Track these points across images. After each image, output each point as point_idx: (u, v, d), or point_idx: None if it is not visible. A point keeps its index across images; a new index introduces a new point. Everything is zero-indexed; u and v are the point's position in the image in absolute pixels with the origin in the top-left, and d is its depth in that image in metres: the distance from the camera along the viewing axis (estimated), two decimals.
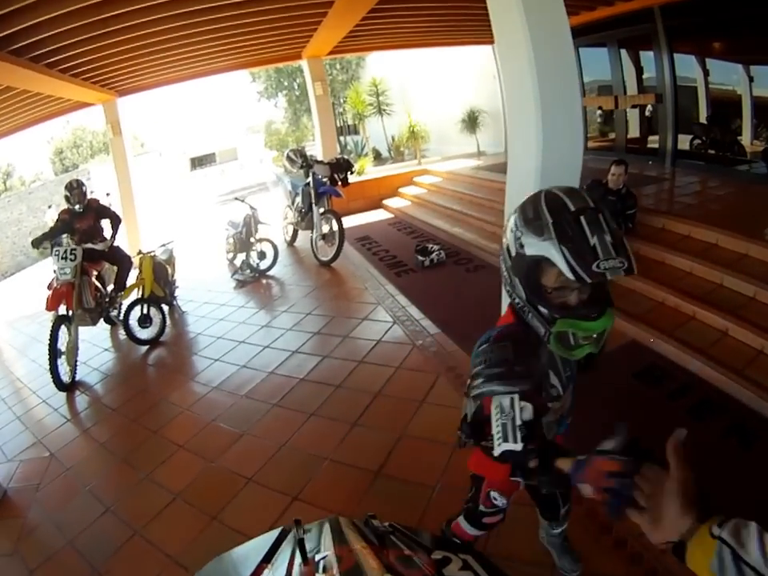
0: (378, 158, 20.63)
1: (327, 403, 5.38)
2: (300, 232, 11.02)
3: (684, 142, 11.14)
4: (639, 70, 12.22)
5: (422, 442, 4.55)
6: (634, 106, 12.27)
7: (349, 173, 9.89)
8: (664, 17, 10.21)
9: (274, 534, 1.19)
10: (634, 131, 13.01)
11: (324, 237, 9.63)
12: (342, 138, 27.25)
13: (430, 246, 9.22)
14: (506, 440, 1.72)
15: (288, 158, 10.38)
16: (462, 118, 16.22)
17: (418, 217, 11.96)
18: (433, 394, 5.18)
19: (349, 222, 11.92)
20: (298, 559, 0.95)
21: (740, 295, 5.86)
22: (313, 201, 9.67)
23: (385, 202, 13.96)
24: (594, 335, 1.81)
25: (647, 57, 11.50)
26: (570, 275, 1.63)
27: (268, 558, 1.06)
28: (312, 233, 9.81)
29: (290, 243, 11.37)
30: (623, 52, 12.24)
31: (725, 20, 9.62)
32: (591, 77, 13.42)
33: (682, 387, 4.91)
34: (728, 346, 5.31)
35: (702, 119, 10.96)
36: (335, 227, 9.32)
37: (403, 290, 7.92)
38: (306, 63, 13.68)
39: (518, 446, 1.69)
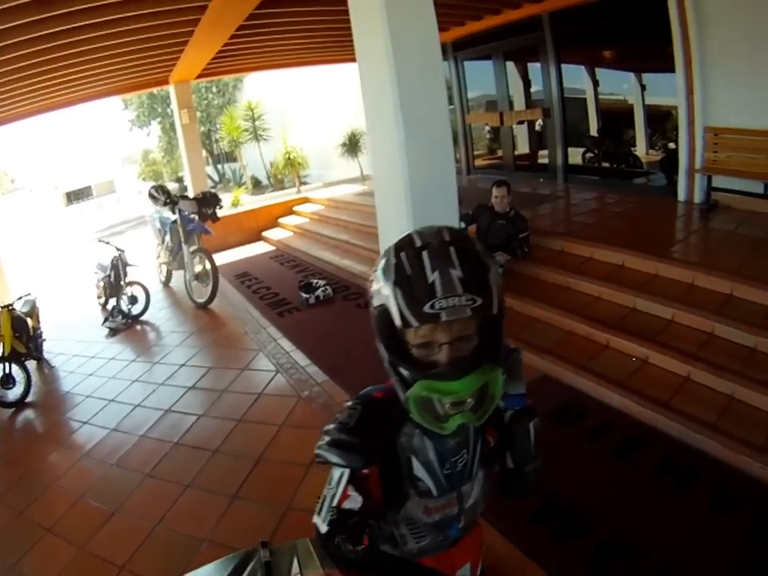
0: (258, 186, 19.99)
1: (204, 472, 4.73)
2: (175, 272, 10.23)
3: (576, 155, 11.02)
4: (527, 84, 12.11)
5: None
6: (521, 122, 12.02)
7: (217, 207, 9.23)
8: (552, 25, 9.99)
9: (238, 556, 1.10)
10: (523, 147, 12.87)
11: (197, 277, 8.91)
12: (220, 167, 26.52)
13: (315, 281, 8.51)
14: (318, 513, 1.57)
15: (150, 195, 9.58)
16: (342, 142, 15.72)
17: (301, 249, 11.27)
18: None
19: (227, 257, 11.58)
20: None
21: (657, 318, 5.55)
22: (182, 239, 8.95)
23: (265, 233, 13.15)
24: (467, 399, 1.36)
25: (535, 69, 11.27)
26: (397, 321, 1.34)
27: None
28: (185, 273, 9.09)
29: (165, 284, 10.55)
30: (510, 65, 12.11)
31: (614, 27, 9.58)
32: (480, 91, 13.23)
33: (603, 425, 4.49)
34: (650, 375, 4.97)
35: (594, 132, 10.93)
36: (208, 266, 8.60)
37: (287, 332, 7.20)
38: (173, 88, 12.67)
39: (323, 529, 1.51)
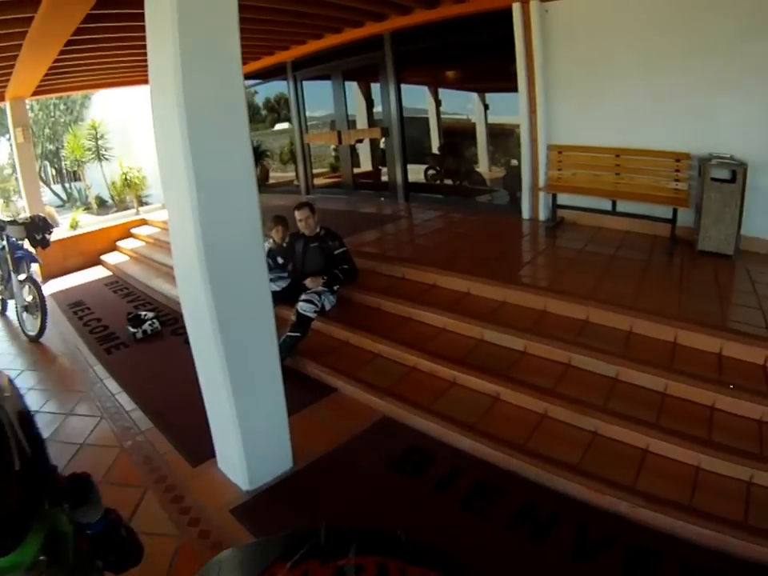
0: (104, 205, 19.08)
1: None
2: (9, 300, 9.37)
3: (419, 173, 11.05)
4: (370, 103, 12.00)
5: None
6: (359, 141, 11.95)
7: (48, 233, 8.48)
8: (394, 44, 9.95)
9: (297, 533, 0.90)
10: (366, 166, 12.74)
11: (27, 308, 8.12)
12: (67, 185, 25.24)
13: (144, 313, 7.83)
14: None
15: None
16: None
17: (135, 276, 10.33)
18: (137, 519, 3.95)
19: (65, 282, 10.67)
20: (316, 561, 0.79)
21: (508, 351, 5.26)
22: (10, 267, 8.19)
23: (103, 257, 12.04)
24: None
25: (377, 89, 11.25)
26: None
27: (286, 555, 0.81)
28: (15, 303, 8.33)
29: (1, 313, 9.72)
30: (353, 84, 12.04)
31: (457, 47, 9.61)
32: (327, 111, 12.89)
33: (452, 472, 4.08)
34: (503, 414, 4.62)
35: (435, 150, 10.99)
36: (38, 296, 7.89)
37: (113, 371, 6.52)
38: (9, 105, 11.67)
39: None
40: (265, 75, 13.47)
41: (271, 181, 15.76)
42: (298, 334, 5.74)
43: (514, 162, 9.31)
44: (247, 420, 3.90)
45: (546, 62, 7.95)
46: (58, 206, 23.13)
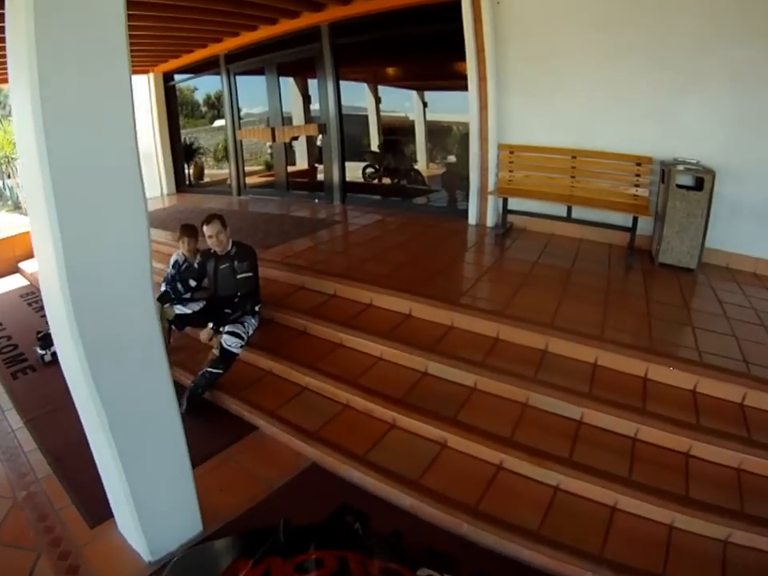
0: None
1: None
2: None
3: (357, 171, 10.58)
4: (307, 99, 11.55)
5: None
6: (294, 138, 11.45)
7: None
8: (332, 36, 9.46)
9: (257, 532, 1.10)
10: (302, 165, 12.47)
11: None
12: (1, 182, 24.11)
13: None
14: None
15: None
16: None
17: None
18: None
19: None
20: (278, 558, 0.93)
21: (456, 386, 4.60)
22: None
23: (22, 265, 10.89)
24: None
25: (314, 84, 10.61)
26: None
27: (248, 553, 0.97)
28: None
29: None
30: (289, 79, 11.70)
31: (399, 40, 9.41)
32: (265, 107, 12.03)
33: (391, 536, 3.38)
34: (450, 465, 3.92)
35: (375, 147, 10.76)
36: None
37: (18, 401, 5.60)
38: None
39: None
40: (197, 69, 12.74)
41: (206, 179, 15.20)
42: (220, 371, 4.97)
43: (451, 158, 9.51)
44: (140, 483, 3.15)
45: (497, 56, 7.48)
46: None
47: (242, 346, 5.04)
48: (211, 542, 1.16)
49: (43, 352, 6.41)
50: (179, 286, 5.70)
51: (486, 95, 7.64)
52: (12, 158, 17.82)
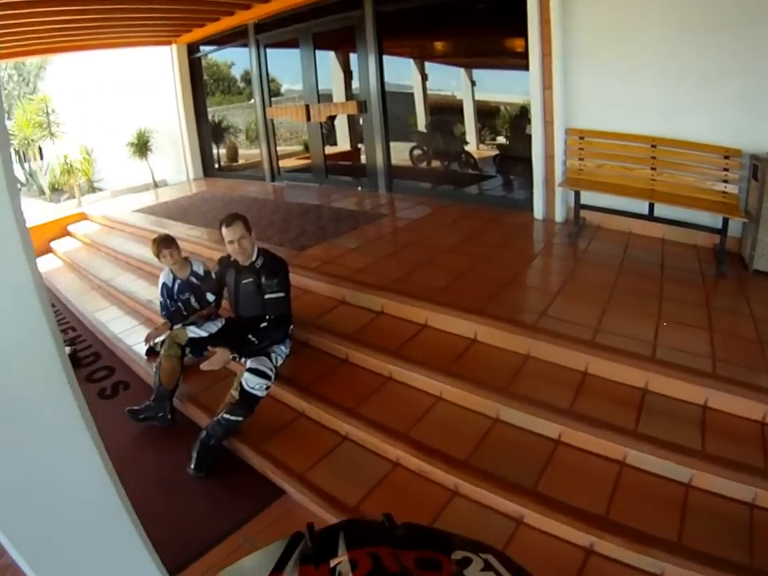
0: (58, 190, 17.23)
1: None
2: None
3: (403, 151, 9.76)
4: (348, 75, 10.55)
5: None
6: (332, 117, 10.27)
7: None
8: (375, 2, 8.58)
9: (285, 541, 0.84)
10: (344, 146, 11.55)
11: None
12: (27, 166, 23.43)
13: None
14: None
15: None
16: (131, 141, 13.15)
17: (63, 290, 8.12)
18: None
19: None
20: (310, 566, 0.76)
21: (535, 438, 3.62)
22: None
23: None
24: None
25: (355, 59, 9.70)
26: None
27: (279, 567, 0.78)
28: None
29: None
30: (329, 55, 10.78)
31: (446, 14, 8.45)
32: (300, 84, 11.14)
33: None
34: (529, 549, 3.01)
35: (422, 127, 9.97)
36: None
37: None
38: None
39: None
40: (225, 40, 11.73)
41: (240, 161, 14.08)
42: (239, 419, 3.98)
43: (507, 143, 9.01)
44: None
45: (565, 28, 6.49)
46: None
47: (267, 388, 4.06)
48: (241, 560, 0.82)
49: None
50: (192, 300, 4.90)
51: (550, 73, 6.67)
52: (32, 141, 17.05)
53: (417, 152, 10.06)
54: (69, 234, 10.47)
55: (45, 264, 9.37)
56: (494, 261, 5.84)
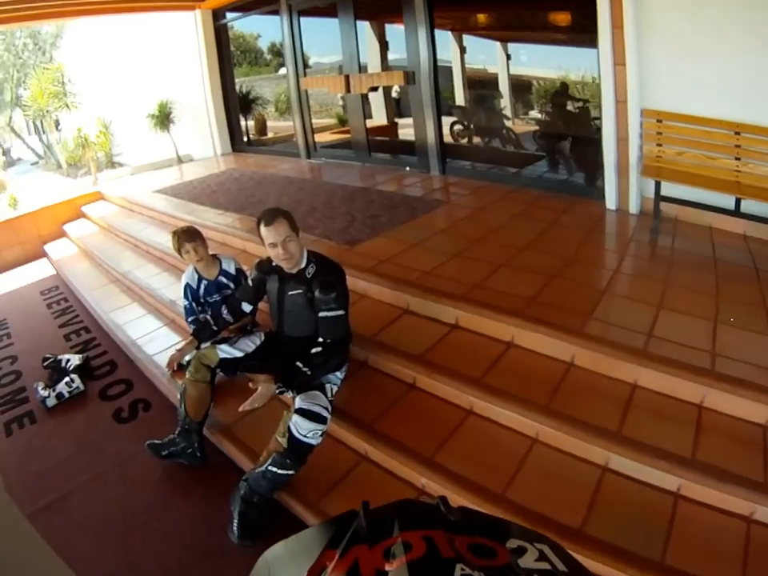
0: (75, 165, 16.56)
1: None
2: None
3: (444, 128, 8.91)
4: (384, 46, 10.11)
5: None
6: (373, 89, 9.49)
7: None
8: None
9: (340, 518, 0.85)
10: (380, 120, 10.89)
11: None
12: (45, 137, 22.76)
13: (66, 357, 5.19)
14: None
15: None
16: (152, 113, 12.24)
17: (76, 281, 7.18)
18: None
19: None
20: (364, 545, 0.75)
21: (652, 492, 2.90)
22: None
23: (47, 247, 8.97)
24: None
25: (393, 29, 9.70)
26: None
27: (334, 543, 0.78)
28: None
29: None
30: (363, 24, 9.97)
31: None
32: (334, 56, 10.60)
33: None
34: None
35: (461, 102, 9.54)
36: None
37: (5, 480, 3.81)
38: None
39: None
40: (253, 5, 10.92)
41: (270, 134, 13.30)
42: (290, 472, 3.12)
43: (545, 118, 8.81)
44: None
45: None
46: (33, 164, 20.89)
47: (323, 434, 3.22)
48: (300, 533, 0.84)
49: (45, 393, 4.75)
50: (224, 311, 4.00)
51: (623, 48, 5.98)
52: (47, 112, 16.23)
53: (458, 127, 9.52)
54: (83, 215, 9.58)
55: (57, 250, 8.63)
56: (581, 263, 5.03)
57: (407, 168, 8.87)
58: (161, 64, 13.06)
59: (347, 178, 8.66)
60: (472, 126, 9.47)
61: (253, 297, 3.89)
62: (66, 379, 4.85)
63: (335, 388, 3.50)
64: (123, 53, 14.82)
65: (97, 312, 6.14)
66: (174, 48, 12.39)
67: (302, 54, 10.23)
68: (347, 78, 9.17)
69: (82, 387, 4.85)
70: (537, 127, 8.93)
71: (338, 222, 6.19)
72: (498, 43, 9.02)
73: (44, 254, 8.86)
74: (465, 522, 0.79)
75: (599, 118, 6.51)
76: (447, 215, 6.55)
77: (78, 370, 5.03)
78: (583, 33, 6.81)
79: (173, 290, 5.62)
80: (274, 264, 3.60)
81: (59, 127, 17.51)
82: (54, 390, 4.70)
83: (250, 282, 3.87)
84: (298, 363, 3.29)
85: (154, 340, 5.18)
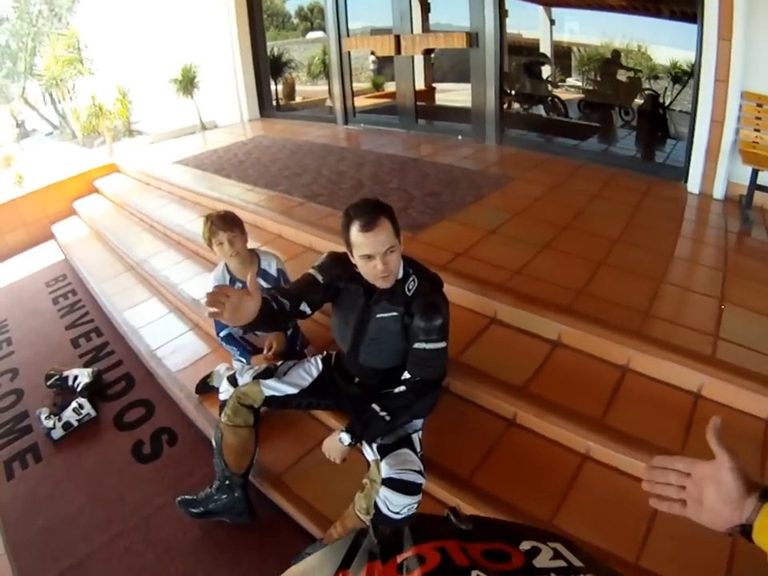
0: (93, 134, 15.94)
1: None
2: None
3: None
4: (426, 8, 9.37)
5: None
6: (428, 51, 8.94)
7: None
8: None
9: (349, 539, 0.95)
10: (420, 85, 10.00)
11: None
12: (60, 107, 22.14)
13: (73, 374, 4.32)
14: None
15: None
16: (175, 78, 11.38)
17: (87, 270, 6.29)
18: None
19: None
20: (377, 562, 0.82)
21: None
22: None
23: (55, 228, 8.03)
24: None
25: None
26: None
27: (346, 564, 0.87)
28: None
29: None
30: None
31: None
32: (364, 22, 10.35)
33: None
34: None
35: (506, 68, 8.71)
36: None
37: (8, 542, 3.13)
38: None
39: None
40: None
41: (298, 98, 12.71)
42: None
43: (592, 87, 8.77)
44: None
45: None
46: (47, 135, 20.27)
47: (418, 505, 2.37)
48: (311, 555, 0.95)
49: (50, 424, 3.96)
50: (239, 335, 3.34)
51: (730, 21, 5.32)
52: (61, 80, 15.92)
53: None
54: (96, 190, 8.67)
55: (66, 231, 7.75)
56: (684, 263, 4.44)
57: (459, 137, 8.22)
58: (184, 26, 12.35)
59: (392, 146, 7.95)
60: (516, 94, 9.21)
61: (319, 300, 2.77)
62: (74, 405, 4.00)
63: (421, 434, 2.67)
64: (143, 17, 14.18)
65: (109, 310, 5.29)
66: (199, 9, 11.69)
67: (346, 13, 9.59)
68: (397, 38, 8.63)
69: (93, 413, 4.02)
70: (581, 95, 8.81)
71: (393, 200, 5.17)
72: (540, 8, 8.81)
73: (51, 236, 8.00)
74: (476, 529, 0.83)
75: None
76: (518, 194, 5.67)
77: (87, 388, 4.18)
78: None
79: (195, 284, 4.82)
80: (357, 274, 2.65)
81: (71, 95, 16.86)
82: (59, 420, 3.89)
83: (319, 278, 2.73)
84: (375, 406, 2.44)
85: (176, 351, 4.33)
